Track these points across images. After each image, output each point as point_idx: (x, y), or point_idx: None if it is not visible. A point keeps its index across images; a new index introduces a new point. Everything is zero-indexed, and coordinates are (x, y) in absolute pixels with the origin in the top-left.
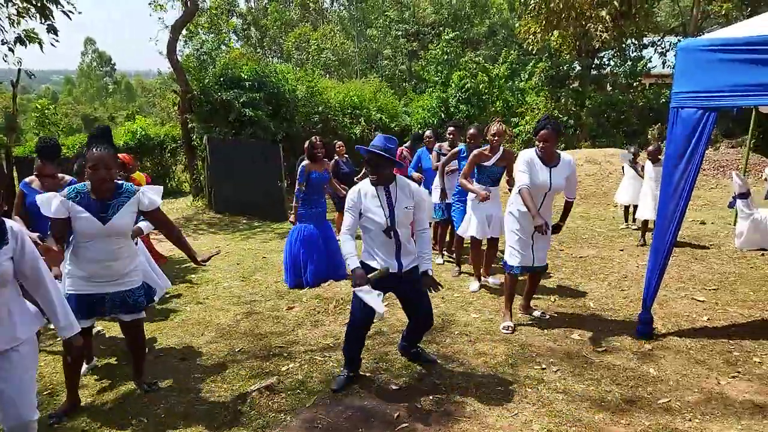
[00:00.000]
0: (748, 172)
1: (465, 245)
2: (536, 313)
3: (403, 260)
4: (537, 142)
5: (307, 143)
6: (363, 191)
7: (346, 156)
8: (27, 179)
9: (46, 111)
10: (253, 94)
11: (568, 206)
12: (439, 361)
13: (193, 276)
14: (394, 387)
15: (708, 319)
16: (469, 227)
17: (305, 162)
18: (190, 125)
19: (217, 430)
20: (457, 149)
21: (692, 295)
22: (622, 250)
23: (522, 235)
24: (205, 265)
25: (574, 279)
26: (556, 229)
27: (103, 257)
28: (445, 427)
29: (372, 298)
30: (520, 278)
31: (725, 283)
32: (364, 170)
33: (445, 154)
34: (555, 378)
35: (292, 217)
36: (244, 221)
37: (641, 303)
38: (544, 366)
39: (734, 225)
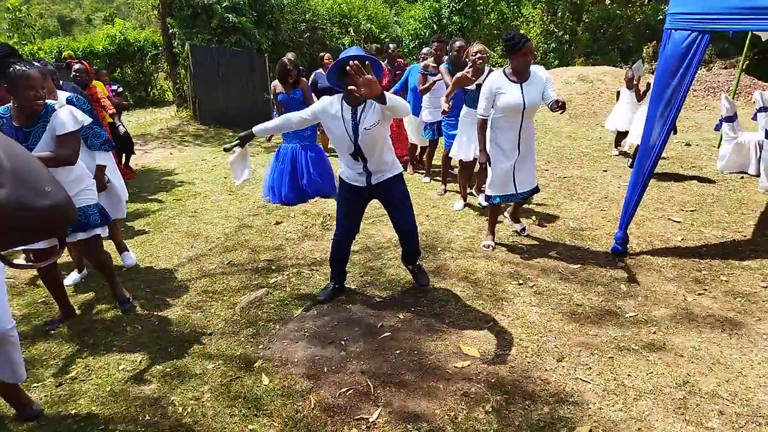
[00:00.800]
0: (738, 94)
1: (453, 166)
2: (518, 226)
3: (373, 177)
4: (518, 57)
5: (279, 63)
6: (325, 107)
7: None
8: None
9: (18, 12)
10: None
11: (559, 104)
12: (427, 283)
13: (179, 189)
14: (378, 299)
15: (682, 239)
16: (458, 150)
17: (275, 82)
18: (170, 30)
19: (209, 337)
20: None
21: (669, 215)
22: (605, 171)
23: (497, 163)
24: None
25: (556, 199)
26: (562, 105)
27: None
28: (424, 336)
29: (236, 164)
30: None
31: (703, 204)
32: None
33: (432, 73)
34: (530, 292)
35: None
36: (230, 133)
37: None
38: (521, 282)
39: (718, 147)
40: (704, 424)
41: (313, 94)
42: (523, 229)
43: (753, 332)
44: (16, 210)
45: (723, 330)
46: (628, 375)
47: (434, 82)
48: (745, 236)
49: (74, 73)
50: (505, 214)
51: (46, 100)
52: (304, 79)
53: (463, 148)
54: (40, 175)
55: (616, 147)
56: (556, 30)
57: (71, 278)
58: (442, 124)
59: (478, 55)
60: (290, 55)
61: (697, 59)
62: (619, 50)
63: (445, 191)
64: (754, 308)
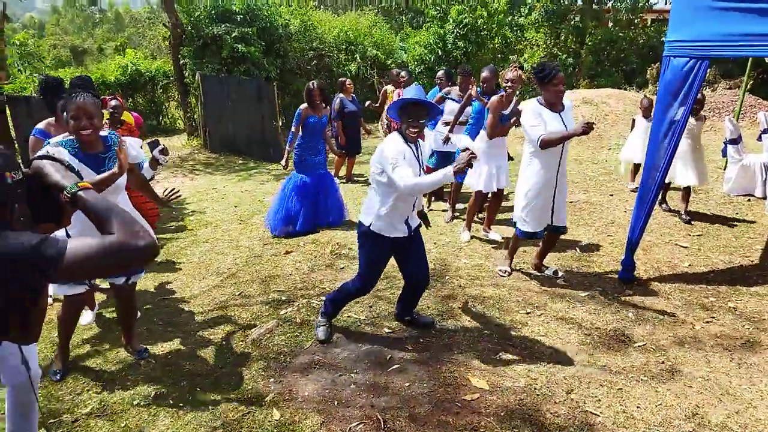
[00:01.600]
0: (743, 114)
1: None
2: (549, 272)
3: (412, 222)
4: (552, 87)
5: (306, 88)
6: (400, 147)
7: (354, 94)
8: (41, 125)
9: (25, 47)
10: (245, 29)
11: None
12: (433, 322)
13: (191, 219)
14: (387, 330)
15: (689, 265)
16: (478, 181)
17: (303, 106)
18: (181, 61)
19: (221, 370)
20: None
21: (676, 240)
22: (611, 195)
23: (537, 200)
24: (169, 205)
25: None
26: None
27: None
28: (433, 368)
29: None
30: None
31: (709, 228)
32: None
33: (455, 100)
34: (539, 321)
35: (283, 161)
36: (240, 161)
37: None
38: (529, 310)
39: (724, 170)
40: None
41: (340, 125)
42: (556, 272)
43: (762, 361)
44: (122, 251)
45: (732, 359)
46: (638, 407)
47: (454, 124)
48: (752, 261)
49: (111, 110)
50: (533, 264)
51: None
52: (325, 105)
53: (483, 180)
54: (136, 223)
55: (632, 181)
56: (560, 53)
57: (87, 317)
58: (457, 152)
59: (510, 84)
60: (312, 84)
61: (697, 85)
62: (623, 72)
63: (453, 218)
64: (762, 336)
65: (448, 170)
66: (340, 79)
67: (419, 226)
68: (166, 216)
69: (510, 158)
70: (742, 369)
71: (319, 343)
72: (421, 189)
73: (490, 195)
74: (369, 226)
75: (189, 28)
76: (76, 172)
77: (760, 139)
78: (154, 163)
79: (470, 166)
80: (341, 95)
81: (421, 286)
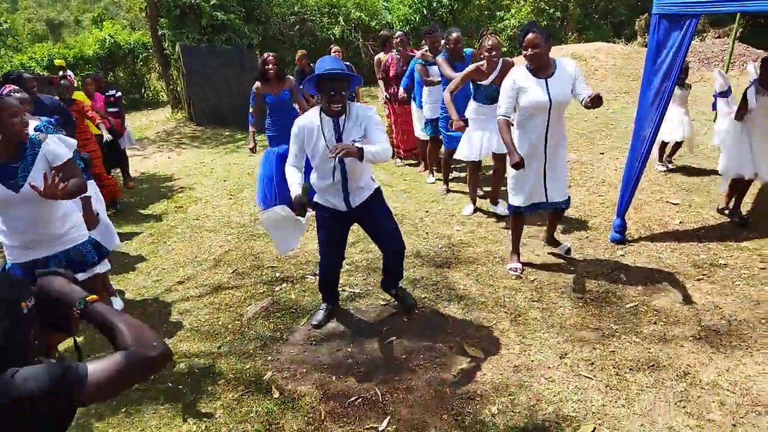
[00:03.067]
0: (732, 63)
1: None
2: (561, 249)
3: (352, 199)
4: (524, 51)
5: (260, 61)
6: (305, 126)
7: (346, 63)
8: None
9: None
10: None
11: (594, 98)
12: (416, 308)
13: (180, 196)
14: (382, 302)
15: (680, 222)
16: (470, 150)
17: (256, 84)
18: (160, 32)
19: (218, 351)
20: (441, 58)
21: (667, 197)
22: (602, 154)
23: (519, 175)
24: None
25: None
26: (596, 100)
27: (28, 226)
28: (428, 338)
29: (276, 229)
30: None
31: (700, 184)
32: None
33: (431, 63)
34: (531, 287)
35: (250, 144)
36: (227, 133)
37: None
38: (521, 276)
39: (714, 121)
40: (705, 416)
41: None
42: (568, 250)
43: (752, 317)
44: (139, 365)
45: (722, 317)
46: (630, 369)
47: (438, 81)
48: (742, 217)
49: (59, 90)
50: (541, 240)
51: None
52: (290, 76)
53: (472, 148)
54: (146, 331)
55: (659, 161)
56: (547, 7)
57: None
58: (440, 119)
59: (493, 51)
60: (267, 54)
61: (687, 41)
62: (611, 24)
63: (448, 191)
64: (752, 292)
65: (297, 191)
66: (330, 46)
67: (373, 197)
68: (156, 193)
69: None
70: (733, 326)
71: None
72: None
73: (493, 163)
74: (316, 197)
75: None
76: (80, 284)
77: (713, 108)
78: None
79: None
80: None
81: (389, 256)
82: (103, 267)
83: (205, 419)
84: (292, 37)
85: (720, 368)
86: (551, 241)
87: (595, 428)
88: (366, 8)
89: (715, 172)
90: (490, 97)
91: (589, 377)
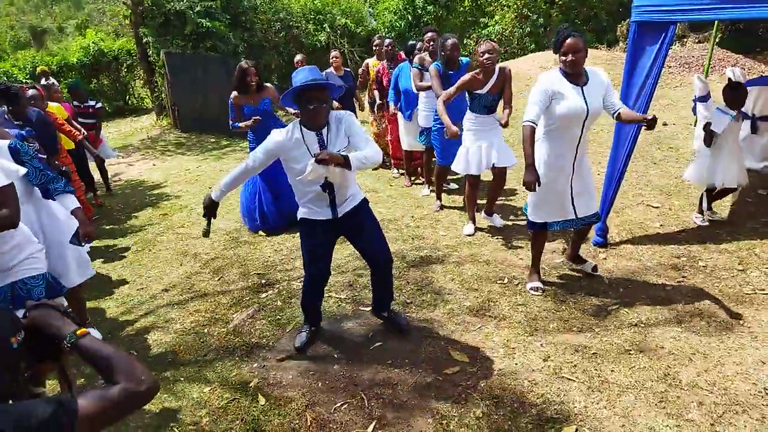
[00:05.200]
0: (712, 68)
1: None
2: (587, 267)
3: (339, 208)
4: (562, 57)
5: (237, 69)
6: (283, 143)
7: (347, 68)
8: None
9: None
10: (208, 2)
11: (626, 113)
12: (407, 327)
13: (165, 203)
14: (368, 308)
15: (660, 225)
16: (467, 163)
17: (234, 94)
18: (144, 40)
19: (203, 359)
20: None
21: (648, 201)
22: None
23: (549, 188)
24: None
25: None
26: (651, 123)
27: None
28: (414, 343)
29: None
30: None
31: (680, 187)
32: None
33: (427, 69)
34: (516, 291)
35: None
36: (212, 140)
37: None
38: (506, 281)
39: (694, 126)
40: (684, 416)
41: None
42: (595, 267)
43: (730, 318)
44: (128, 400)
45: (701, 318)
46: (612, 371)
47: (429, 86)
48: (721, 218)
49: (31, 102)
50: (564, 258)
51: None
52: (269, 84)
53: (471, 162)
54: (135, 366)
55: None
56: (531, 14)
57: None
58: (433, 132)
59: (486, 55)
60: (245, 62)
61: (665, 50)
62: (593, 31)
63: (441, 207)
64: (731, 293)
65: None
66: (331, 52)
67: (359, 207)
68: (140, 201)
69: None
70: (712, 327)
71: (301, 325)
72: (225, 181)
73: (492, 176)
74: (299, 211)
75: (149, 4)
76: (71, 317)
77: (693, 112)
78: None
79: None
80: (329, 70)
81: (378, 267)
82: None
83: (190, 426)
84: (277, 44)
85: (699, 369)
86: (576, 258)
87: (577, 429)
88: (351, 15)
89: None
90: (488, 106)
91: (571, 379)
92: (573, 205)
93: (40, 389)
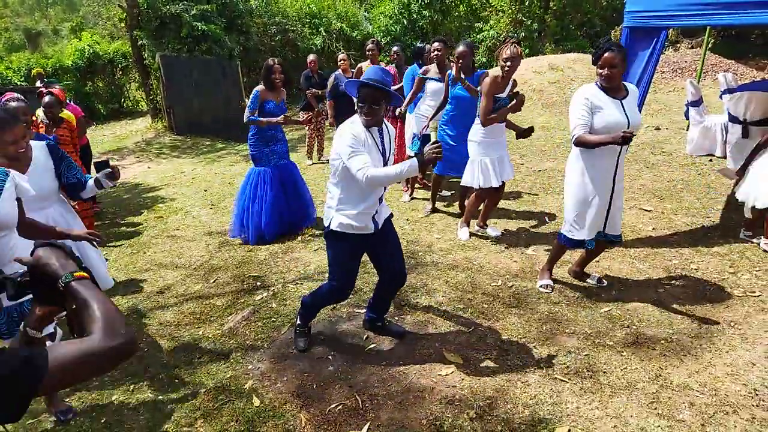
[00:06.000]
0: (705, 73)
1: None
2: (592, 280)
3: (379, 218)
4: (599, 70)
5: (264, 66)
6: (357, 132)
7: (320, 71)
8: None
9: None
10: (203, 6)
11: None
12: (404, 333)
13: (160, 206)
14: (360, 311)
15: (653, 229)
16: (483, 177)
17: (260, 87)
18: (139, 42)
19: (198, 360)
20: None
21: (640, 205)
22: None
23: (589, 206)
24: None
25: (532, 193)
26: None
27: None
28: (409, 345)
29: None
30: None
31: (673, 191)
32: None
33: (435, 79)
34: (509, 293)
35: (277, 121)
36: (207, 142)
37: None
38: (499, 282)
39: (686, 131)
40: (675, 416)
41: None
42: (600, 279)
43: (721, 320)
44: (103, 352)
45: (693, 320)
46: (604, 372)
47: (413, 96)
48: (713, 221)
49: (45, 108)
50: (568, 273)
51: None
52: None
53: (486, 175)
54: (117, 320)
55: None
56: (525, 19)
57: None
58: (440, 135)
59: (510, 63)
60: (272, 60)
61: (657, 55)
62: (587, 36)
63: (433, 210)
64: (722, 295)
65: (415, 161)
66: (337, 54)
67: (390, 218)
68: (135, 204)
69: (528, 131)
70: (703, 329)
71: (300, 312)
72: (383, 181)
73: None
74: (330, 225)
75: (145, 7)
76: (76, 259)
77: (686, 116)
78: (98, 184)
79: (440, 158)
80: (337, 72)
81: (396, 283)
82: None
83: (185, 429)
84: (273, 48)
85: (690, 370)
86: (581, 275)
87: (569, 430)
88: (347, 19)
89: (687, 179)
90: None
91: (564, 380)
92: (606, 221)
93: (35, 333)
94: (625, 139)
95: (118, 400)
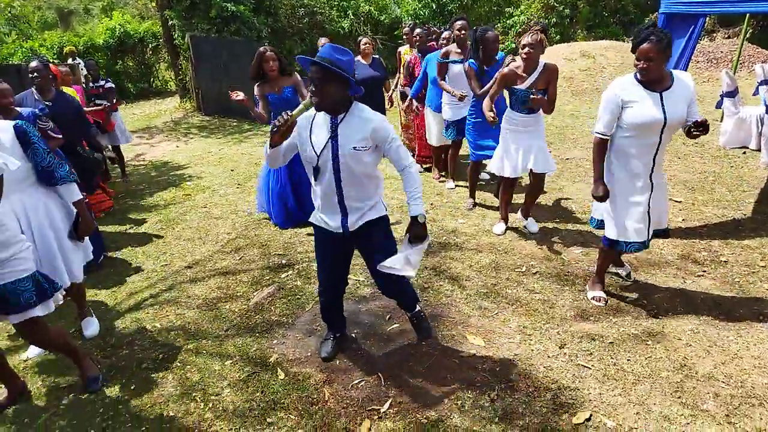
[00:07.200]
0: (741, 63)
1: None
2: (622, 271)
3: (349, 217)
4: (635, 61)
5: (256, 54)
6: (308, 116)
7: (376, 56)
8: None
9: (12, 8)
10: None
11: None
12: (430, 334)
13: (188, 184)
14: None
15: (683, 220)
16: (502, 165)
17: (255, 88)
18: (169, 22)
19: (225, 334)
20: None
21: (671, 195)
22: None
23: (626, 204)
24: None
25: (559, 182)
26: (703, 127)
27: None
28: (432, 326)
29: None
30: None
31: (704, 182)
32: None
33: (456, 61)
34: (534, 279)
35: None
36: (234, 123)
37: None
38: (524, 269)
39: (720, 122)
40: (700, 406)
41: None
42: (629, 274)
43: (750, 313)
44: None
45: (721, 312)
46: (628, 360)
47: (453, 93)
48: (745, 214)
49: (31, 75)
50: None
51: None
52: (295, 73)
53: (507, 163)
54: None
55: None
56: (557, 4)
57: (93, 326)
58: (467, 126)
59: (526, 48)
60: (263, 48)
61: (694, 41)
62: (620, 23)
63: (475, 205)
64: (752, 288)
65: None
66: (358, 39)
67: (373, 224)
68: (164, 182)
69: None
70: (731, 321)
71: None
72: (266, 157)
73: (529, 179)
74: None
75: None
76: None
77: (756, 92)
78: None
79: (280, 129)
80: (357, 58)
81: (383, 290)
82: (44, 309)
83: (212, 397)
84: (301, 30)
85: (716, 361)
86: (615, 260)
87: (591, 415)
88: (375, 2)
89: (719, 171)
90: (527, 103)
91: (587, 367)
92: (648, 224)
93: None
94: (600, 199)
95: (147, 368)
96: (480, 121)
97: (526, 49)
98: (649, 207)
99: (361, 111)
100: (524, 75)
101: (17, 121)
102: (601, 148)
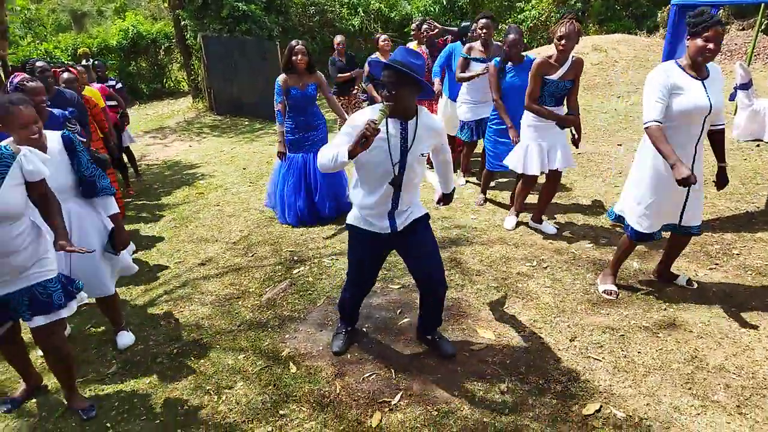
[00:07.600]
0: (756, 56)
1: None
2: (681, 280)
3: (397, 219)
4: (701, 42)
5: (287, 48)
6: (359, 118)
7: (351, 52)
8: None
9: (27, 11)
10: None
11: (719, 140)
12: (453, 353)
13: (201, 182)
14: (395, 286)
15: None
16: (525, 162)
17: (281, 76)
18: (182, 23)
19: (238, 328)
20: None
21: None
22: (620, 145)
23: (664, 195)
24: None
25: (570, 177)
26: (722, 178)
27: None
28: (443, 320)
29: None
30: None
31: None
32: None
33: (478, 59)
34: (544, 274)
35: (279, 146)
36: (246, 123)
37: None
38: (534, 264)
39: (734, 115)
40: (710, 397)
41: (371, 88)
42: (689, 281)
43: (762, 305)
44: None
45: (732, 305)
46: (639, 352)
47: (478, 74)
48: (758, 207)
49: (63, 85)
50: (651, 275)
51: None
52: (319, 72)
53: (530, 161)
54: None
55: None
56: None
57: (126, 338)
58: (488, 134)
59: (564, 41)
60: (295, 42)
61: None
62: (633, 16)
63: (485, 200)
64: (764, 281)
65: (344, 149)
66: (376, 36)
67: (422, 220)
68: (177, 180)
69: (566, 119)
70: (743, 313)
71: (330, 300)
72: (322, 165)
73: (544, 178)
74: (351, 216)
75: None
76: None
77: (733, 97)
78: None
79: (368, 136)
80: (374, 55)
81: (429, 291)
82: (69, 310)
83: (225, 390)
84: (312, 28)
85: (727, 353)
86: (668, 275)
87: (601, 406)
88: None
89: (732, 164)
90: (556, 96)
91: (597, 359)
92: (683, 211)
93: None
94: (686, 181)
95: (161, 362)
96: (504, 129)
97: (563, 41)
98: (688, 198)
99: (427, 115)
100: (556, 65)
101: (65, 131)
102: (661, 132)
